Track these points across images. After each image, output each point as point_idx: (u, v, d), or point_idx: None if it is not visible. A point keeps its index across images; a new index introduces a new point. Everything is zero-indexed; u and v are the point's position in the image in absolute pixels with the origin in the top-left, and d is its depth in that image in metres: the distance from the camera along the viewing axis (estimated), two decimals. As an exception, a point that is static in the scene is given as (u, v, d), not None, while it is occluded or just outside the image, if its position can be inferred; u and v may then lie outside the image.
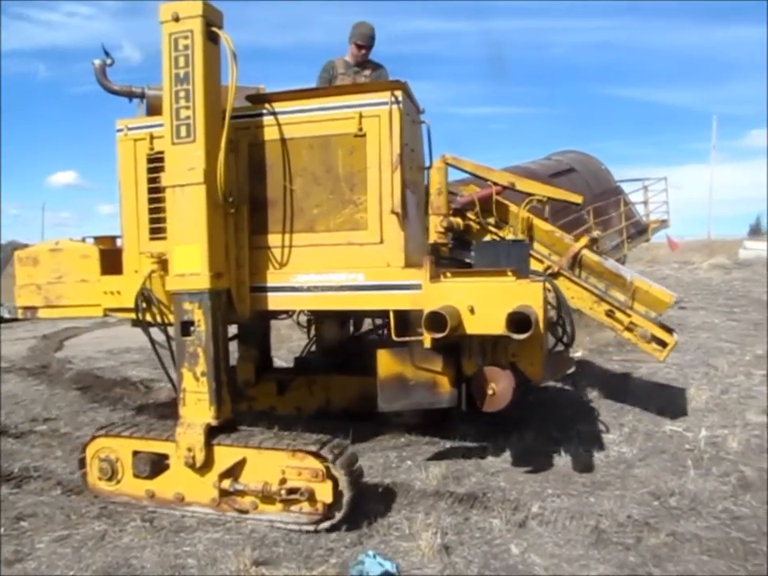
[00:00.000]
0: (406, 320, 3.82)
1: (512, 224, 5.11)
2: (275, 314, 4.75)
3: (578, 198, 5.14)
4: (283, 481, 3.36)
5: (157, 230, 4.12)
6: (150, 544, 3.30)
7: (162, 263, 4.01)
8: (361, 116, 3.71)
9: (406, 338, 3.71)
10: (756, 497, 3.80)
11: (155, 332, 4.12)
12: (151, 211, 4.13)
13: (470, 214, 5.23)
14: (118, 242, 4.67)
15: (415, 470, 4.30)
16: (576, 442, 4.72)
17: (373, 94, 3.73)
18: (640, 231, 11.27)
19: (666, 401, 5.88)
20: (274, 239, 3.87)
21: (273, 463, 3.41)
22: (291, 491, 3.33)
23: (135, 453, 3.67)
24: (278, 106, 3.84)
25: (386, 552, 3.17)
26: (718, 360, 7.52)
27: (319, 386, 5.24)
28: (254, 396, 5.29)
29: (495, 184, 5.07)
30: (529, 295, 3.46)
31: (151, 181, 4.12)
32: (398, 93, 3.68)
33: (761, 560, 3.07)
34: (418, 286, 3.63)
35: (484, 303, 3.50)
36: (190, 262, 3.53)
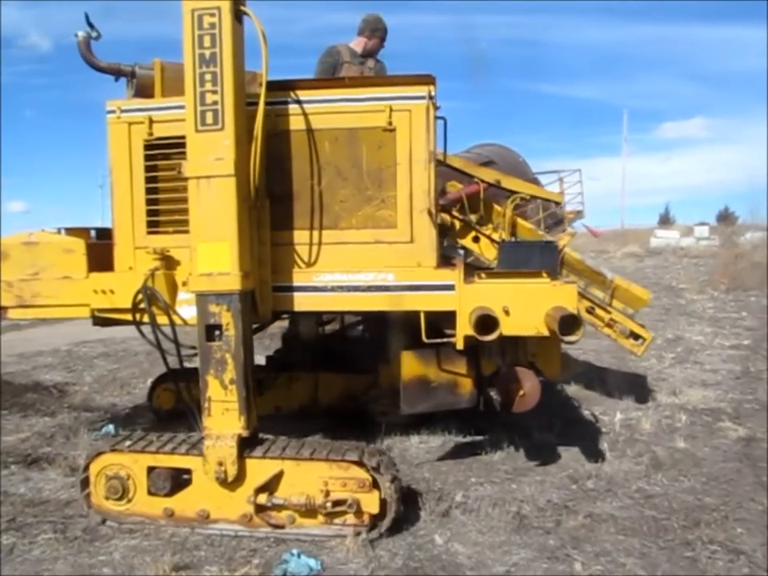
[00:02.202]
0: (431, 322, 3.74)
1: (496, 222, 5.15)
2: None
3: (558, 197, 5.27)
4: (327, 493, 3.20)
5: (155, 223, 3.78)
6: (62, 555, 3.15)
7: (166, 260, 3.69)
8: (391, 109, 3.57)
9: (438, 340, 3.64)
10: (667, 475, 4.05)
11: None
12: (149, 202, 3.77)
13: (453, 211, 5.21)
14: (91, 235, 4.25)
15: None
16: (499, 429, 4.83)
17: (405, 87, 3.59)
18: (556, 222, 11.80)
19: (584, 386, 6.19)
20: (295, 236, 3.65)
21: (312, 474, 3.23)
22: (337, 503, 3.18)
23: (151, 469, 3.35)
24: (301, 95, 3.62)
25: (310, 549, 3.16)
26: (632, 345, 8.05)
27: (303, 383, 5.05)
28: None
29: (482, 181, 5.08)
30: (564, 296, 3.50)
31: (149, 169, 3.76)
32: (431, 87, 3.59)
33: (672, 536, 3.28)
34: (451, 287, 3.56)
35: (519, 304, 3.50)
36: (218, 260, 3.25)
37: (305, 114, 3.60)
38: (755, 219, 18.36)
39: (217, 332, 3.30)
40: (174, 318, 3.68)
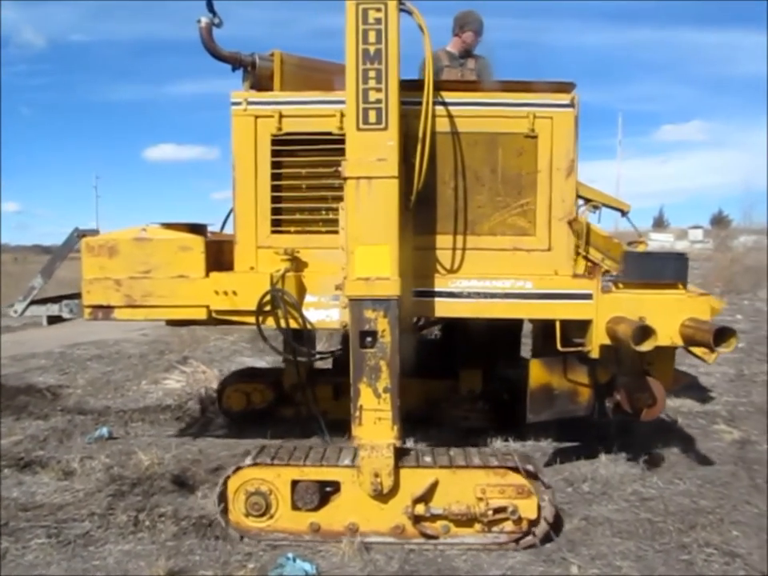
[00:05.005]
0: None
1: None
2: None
3: (626, 206, 5.34)
4: (486, 501, 3.14)
5: (280, 221, 3.62)
6: (56, 560, 3.09)
7: (295, 261, 3.55)
8: (534, 116, 3.54)
9: (572, 349, 3.64)
10: (662, 478, 4.04)
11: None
12: (274, 200, 3.61)
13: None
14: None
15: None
16: (494, 434, 4.75)
17: (548, 95, 3.57)
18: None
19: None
20: (433, 240, 3.57)
21: (468, 482, 3.16)
22: (497, 511, 3.13)
23: (295, 482, 3.20)
24: (445, 96, 3.53)
25: (306, 554, 3.12)
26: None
27: None
28: (304, 401, 4.83)
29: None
30: (699, 308, 3.56)
31: (275, 165, 3.61)
32: (574, 95, 3.57)
33: (667, 538, 3.29)
34: (588, 296, 3.56)
35: (655, 315, 3.51)
36: (378, 264, 3.13)
37: (449, 116, 3.53)
38: (748, 222, 18.78)
39: (369, 338, 3.19)
40: (304, 321, 3.54)
